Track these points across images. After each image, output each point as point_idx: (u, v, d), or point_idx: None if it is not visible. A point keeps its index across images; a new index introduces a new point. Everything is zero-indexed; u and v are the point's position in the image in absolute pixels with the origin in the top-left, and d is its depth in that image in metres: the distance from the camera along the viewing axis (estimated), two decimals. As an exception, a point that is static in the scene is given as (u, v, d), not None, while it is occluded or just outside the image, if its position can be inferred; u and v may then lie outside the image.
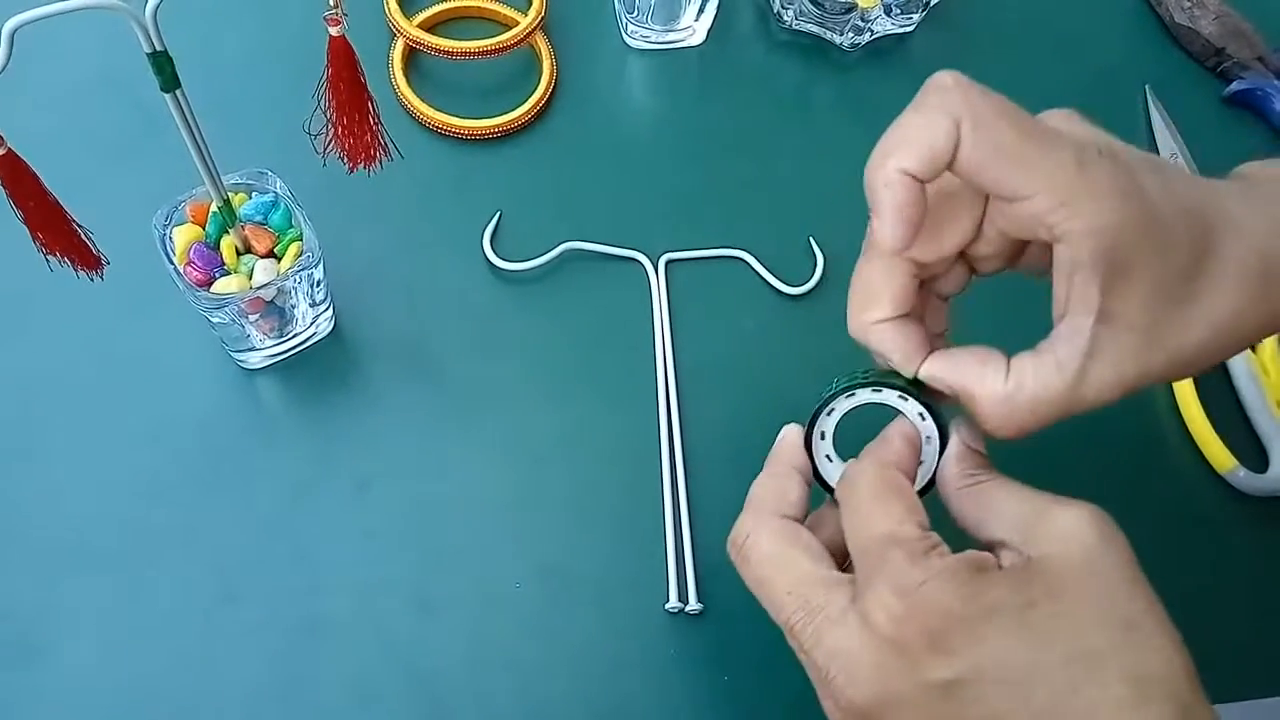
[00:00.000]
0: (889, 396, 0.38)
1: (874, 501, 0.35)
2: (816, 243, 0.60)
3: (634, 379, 0.56)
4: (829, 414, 0.39)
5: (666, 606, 0.50)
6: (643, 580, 0.51)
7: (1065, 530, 0.33)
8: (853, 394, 0.38)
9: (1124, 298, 0.33)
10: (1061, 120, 0.35)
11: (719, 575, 0.51)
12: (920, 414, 0.38)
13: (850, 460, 0.38)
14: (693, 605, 0.50)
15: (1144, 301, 0.33)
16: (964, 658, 0.31)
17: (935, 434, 0.38)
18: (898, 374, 0.37)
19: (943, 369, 0.36)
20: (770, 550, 0.37)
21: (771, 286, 0.59)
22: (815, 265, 0.60)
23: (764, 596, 0.37)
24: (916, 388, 0.37)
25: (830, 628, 0.34)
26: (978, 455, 0.37)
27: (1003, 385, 0.34)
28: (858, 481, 0.36)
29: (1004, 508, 0.35)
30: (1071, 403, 0.34)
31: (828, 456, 0.40)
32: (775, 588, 0.36)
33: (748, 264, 0.60)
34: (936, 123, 0.32)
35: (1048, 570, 0.32)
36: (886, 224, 0.34)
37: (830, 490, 0.40)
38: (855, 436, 0.40)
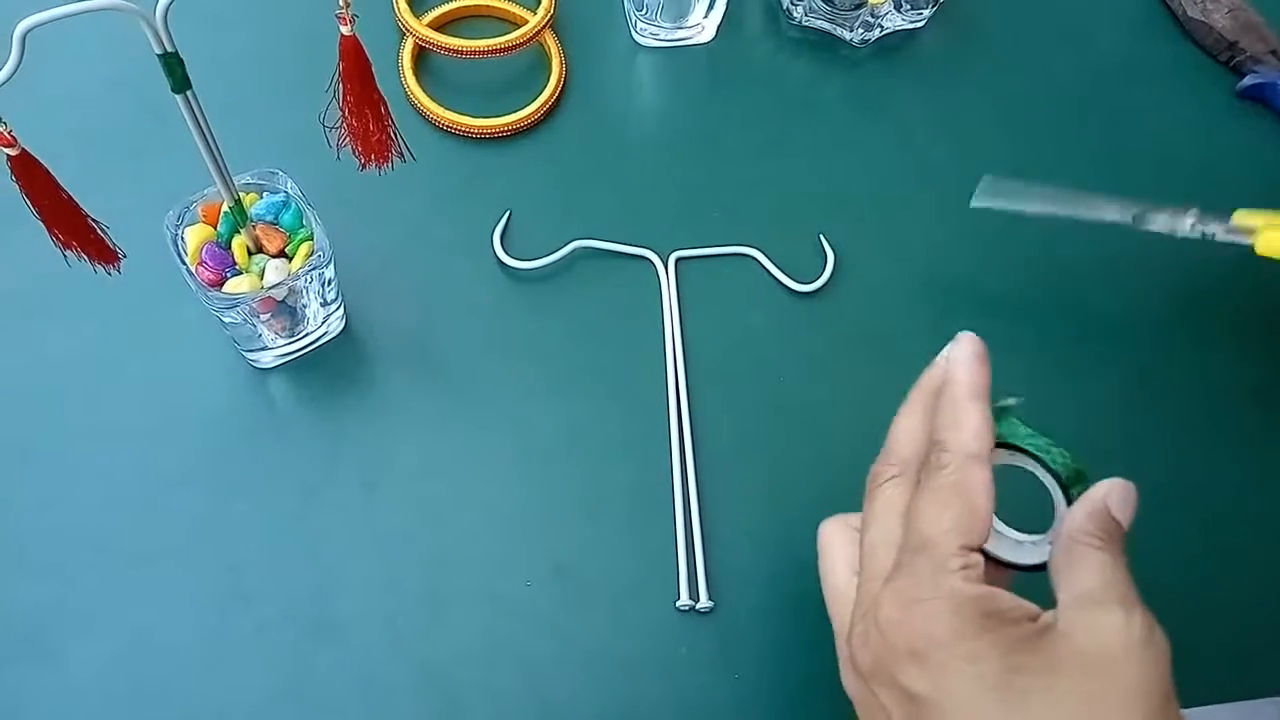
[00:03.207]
0: (1043, 475, 0.37)
1: (935, 500, 0.35)
2: (826, 239, 0.60)
3: (644, 377, 0.56)
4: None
5: (677, 604, 0.50)
6: (653, 578, 0.51)
7: (1111, 624, 0.32)
8: (1011, 453, 0.38)
9: None
10: None
11: (730, 573, 0.51)
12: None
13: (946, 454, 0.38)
14: (704, 603, 0.50)
15: None
16: (934, 682, 0.32)
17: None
18: (1078, 475, 0.37)
19: None
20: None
21: (781, 284, 0.59)
22: (825, 262, 0.60)
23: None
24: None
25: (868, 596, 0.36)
26: (1114, 523, 0.35)
27: None
28: (931, 471, 0.36)
29: (1088, 575, 0.34)
30: None
31: None
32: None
33: (758, 261, 0.60)
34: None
35: (1065, 643, 0.32)
36: None
37: None
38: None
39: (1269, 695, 0.50)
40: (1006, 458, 0.38)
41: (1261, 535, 0.54)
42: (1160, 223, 0.50)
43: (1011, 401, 0.39)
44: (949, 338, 0.58)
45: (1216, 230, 0.49)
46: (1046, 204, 0.43)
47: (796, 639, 0.50)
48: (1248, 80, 0.68)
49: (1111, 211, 0.49)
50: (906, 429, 0.39)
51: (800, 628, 0.50)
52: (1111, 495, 0.35)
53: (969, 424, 0.36)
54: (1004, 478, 0.37)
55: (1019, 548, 0.38)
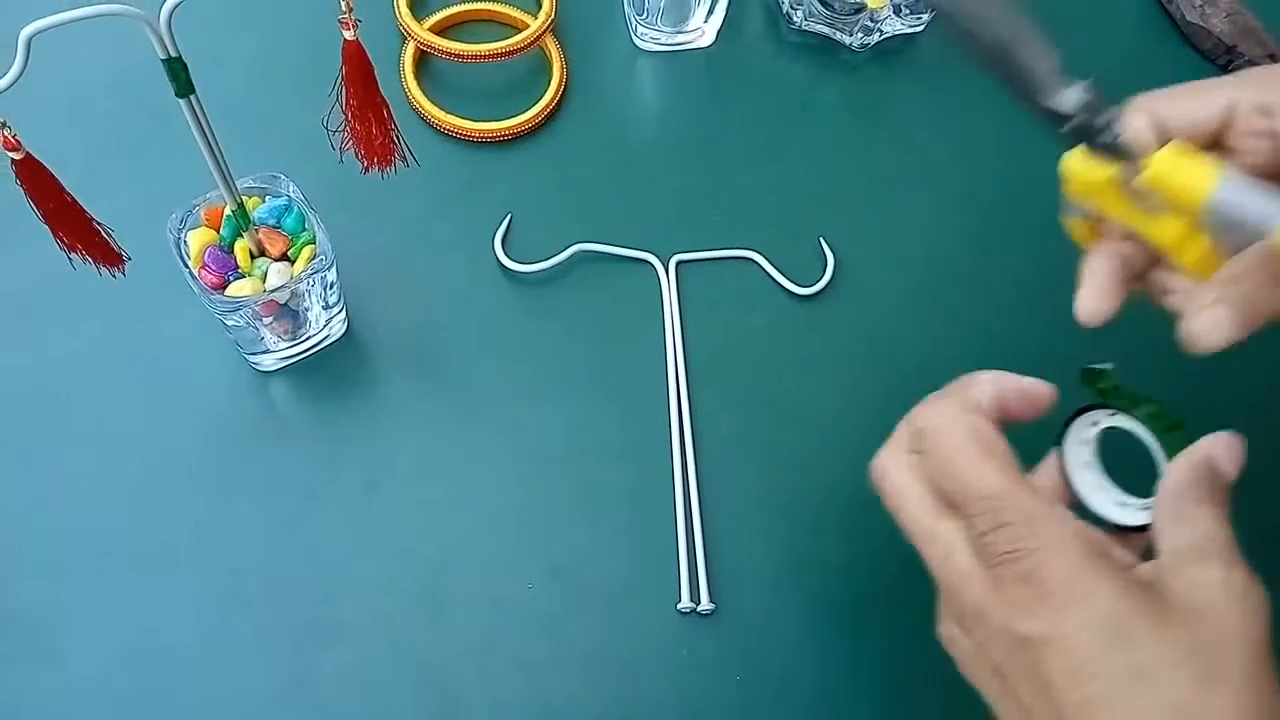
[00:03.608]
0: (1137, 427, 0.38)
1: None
2: (827, 243, 0.60)
3: (645, 379, 0.56)
4: (1093, 424, 0.39)
5: (678, 606, 0.50)
6: (654, 580, 0.51)
7: (1212, 579, 0.32)
8: (1112, 413, 0.38)
9: None
10: None
11: (731, 575, 0.51)
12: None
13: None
14: (704, 605, 0.50)
15: None
16: (1051, 623, 0.32)
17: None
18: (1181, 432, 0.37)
19: None
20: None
21: (782, 287, 0.59)
22: (825, 265, 0.60)
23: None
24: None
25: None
26: (1218, 478, 0.35)
27: None
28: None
29: (1190, 530, 0.34)
30: None
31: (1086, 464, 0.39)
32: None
33: (758, 264, 0.60)
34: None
35: (1168, 592, 0.33)
36: None
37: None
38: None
39: None
40: (1108, 419, 0.38)
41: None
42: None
43: (1107, 366, 0.39)
44: (949, 340, 0.58)
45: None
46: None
47: (798, 640, 0.50)
48: (1246, 84, 0.69)
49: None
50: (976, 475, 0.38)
51: (802, 629, 0.50)
52: (1216, 449, 0.35)
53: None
54: (1110, 441, 0.37)
55: (1125, 509, 0.38)
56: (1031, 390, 0.38)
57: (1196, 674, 0.31)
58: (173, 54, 0.37)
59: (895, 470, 0.38)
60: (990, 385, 0.38)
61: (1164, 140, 0.37)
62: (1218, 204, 0.34)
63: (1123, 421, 0.38)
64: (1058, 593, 0.32)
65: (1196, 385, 0.49)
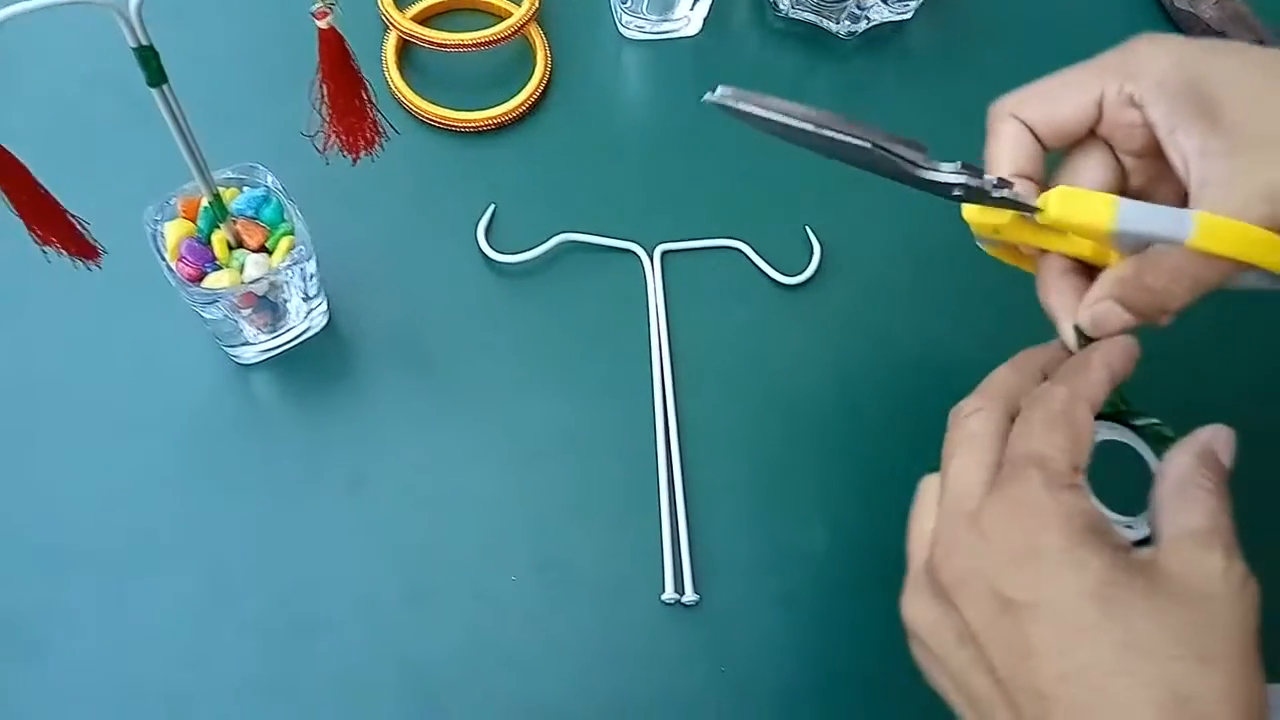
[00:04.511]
0: (1125, 434, 0.38)
1: (1043, 424, 0.35)
2: (813, 232, 0.60)
3: (630, 370, 0.56)
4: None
5: (663, 598, 0.50)
6: (639, 572, 0.50)
7: (1212, 566, 0.32)
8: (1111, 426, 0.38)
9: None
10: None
11: (715, 566, 0.51)
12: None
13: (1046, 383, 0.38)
14: (689, 596, 0.50)
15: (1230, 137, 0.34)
16: (1037, 586, 0.32)
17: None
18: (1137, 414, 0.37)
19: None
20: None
21: (768, 276, 0.59)
22: (812, 254, 0.59)
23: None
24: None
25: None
26: (1221, 467, 0.35)
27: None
28: (1041, 400, 0.36)
29: (1196, 516, 0.34)
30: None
31: None
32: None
33: (744, 254, 0.60)
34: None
35: (1165, 574, 0.32)
36: None
37: None
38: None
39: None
40: (1106, 432, 0.38)
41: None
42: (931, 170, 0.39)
43: None
44: (936, 330, 0.58)
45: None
46: (789, 116, 0.36)
47: (783, 631, 0.50)
48: (1235, 70, 0.68)
49: (855, 137, 0.37)
50: (1005, 376, 0.39)
51: (786, 620, 0.50)
52: (1217, 439, 0.36)
53: (1091, 375, 0.36)
54: (1100, 455, 0.37)
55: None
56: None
57: (1193, 654, 0.31)
58: (143, 42, 0.37)
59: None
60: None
61: (1038, 152, 0.40)
62: (1121, 232, 0.35)
63: (1120, 434, 0.38)
64: (1053, 557, 0.32)
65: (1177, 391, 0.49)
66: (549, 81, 0.64)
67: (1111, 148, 0.40)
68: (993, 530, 0.34)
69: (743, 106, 0.36)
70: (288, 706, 0.47)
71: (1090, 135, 0.40)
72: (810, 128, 0.36)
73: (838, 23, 0.68)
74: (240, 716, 0.47)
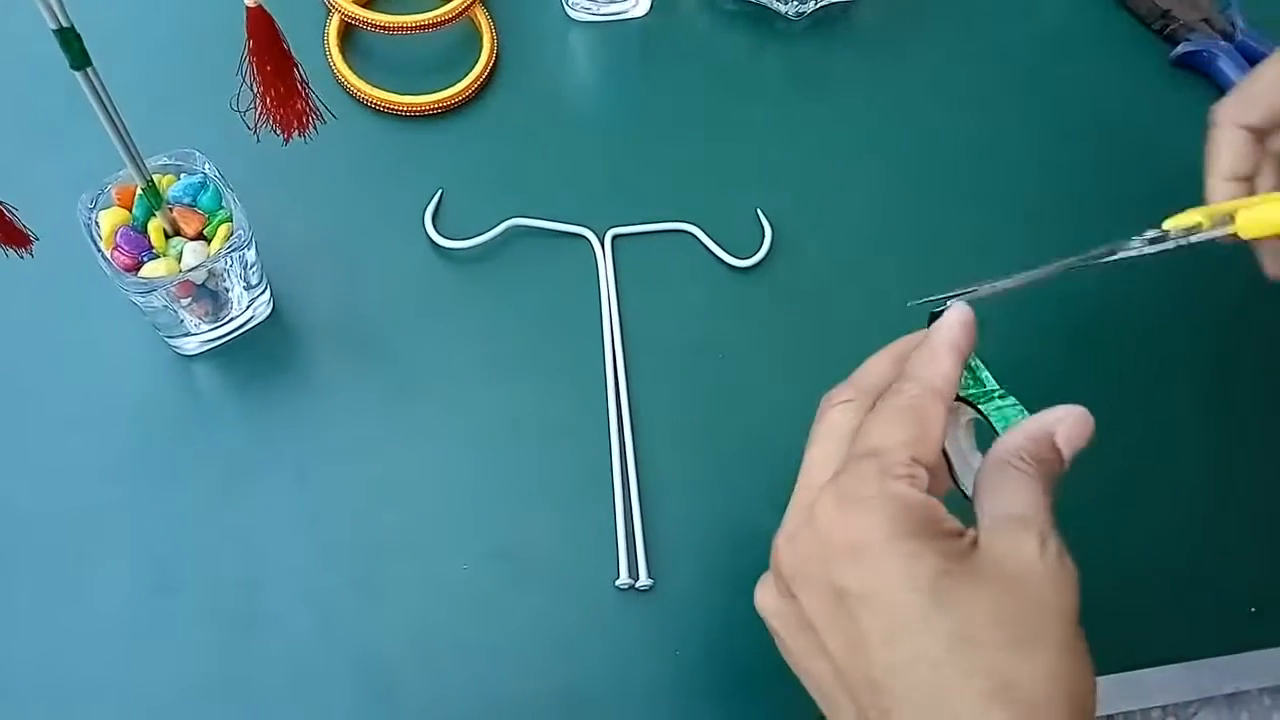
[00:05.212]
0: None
1: (887, 418, 0.35)
2: (764, 214, 0.60)
3: (582, 356, 0.55)
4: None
5: (616, 583, 0.50)
6: (592, 558, 0.50)
7: (1029, 548, 0.33)
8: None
9: None
10: None
11: (669, 551, 0.51)
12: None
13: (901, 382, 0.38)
14: (643, 581, 0.50)
15: None
16: (867, 578, 0.32)
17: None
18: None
19: None
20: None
21: (720, 259, 0.59)
22: (763, 237, 0.59)
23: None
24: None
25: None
26: (1053, 453, 0.35)
27: None
28: (890, 394, 0.36)
29: (1009, 500, 0.34)
30: None
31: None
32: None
33: (695, 237, 0.59)
34: None
35: (986, 559, 0.33)
36: None
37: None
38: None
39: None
40: (971, 413, 0.39)
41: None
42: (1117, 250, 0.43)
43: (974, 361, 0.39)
44: (887, 312, 0.58)
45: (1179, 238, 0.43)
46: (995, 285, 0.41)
47: (736, 615, 0.49)
48: (1181, 48, 0.69)
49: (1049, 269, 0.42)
50: (874, 367, 0.39)
51: (740, 603, 0.49)
52: (1062, 425, 0.35)
53: (940, 367, 0.37)
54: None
55: None
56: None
57: (1015, 638, 0.31)
58: (64, 24, 0.36)
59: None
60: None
61: (1253, 150, 0.47)
62: None
63: (978, 415, 0.38)
64: (881, 548, 0.32)
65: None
66: (495, 64, 0.63)
67: None
68: (825, 521, 0.34)
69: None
70: (237, 702, 0.46)
71: None
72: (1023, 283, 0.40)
73: (786, 3, 0.68)
74: (189, 713, 0.46)
